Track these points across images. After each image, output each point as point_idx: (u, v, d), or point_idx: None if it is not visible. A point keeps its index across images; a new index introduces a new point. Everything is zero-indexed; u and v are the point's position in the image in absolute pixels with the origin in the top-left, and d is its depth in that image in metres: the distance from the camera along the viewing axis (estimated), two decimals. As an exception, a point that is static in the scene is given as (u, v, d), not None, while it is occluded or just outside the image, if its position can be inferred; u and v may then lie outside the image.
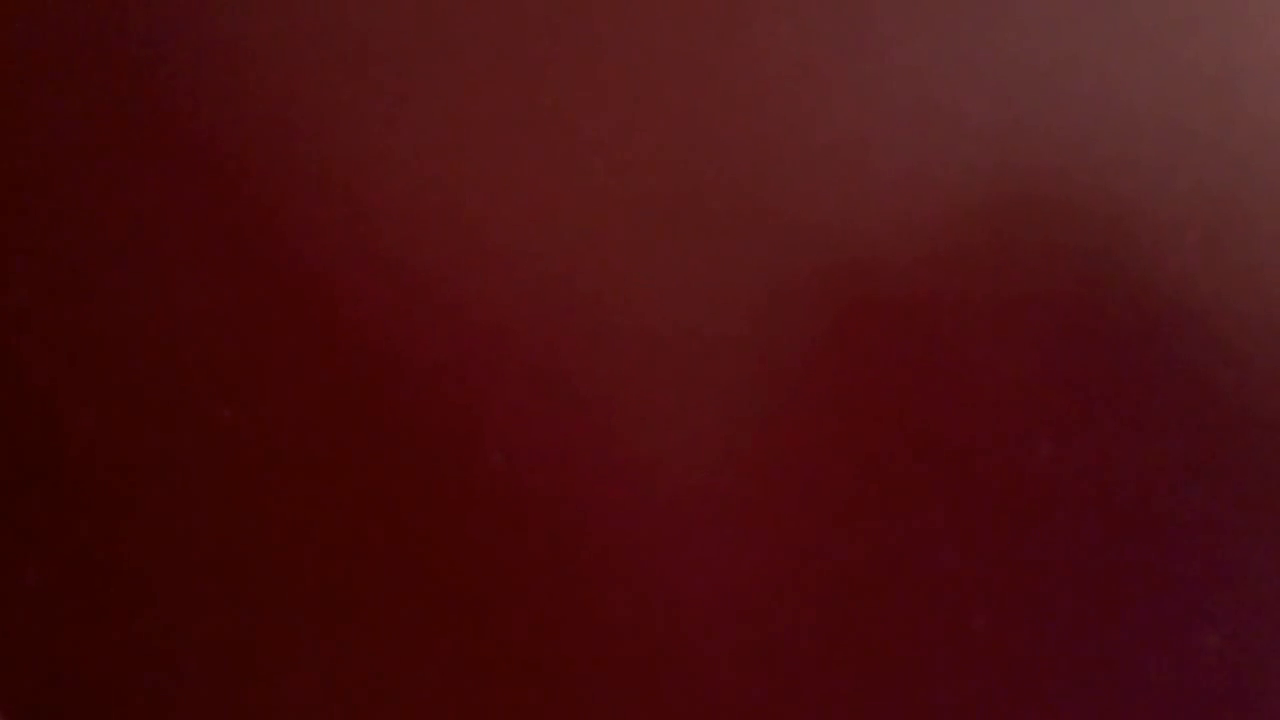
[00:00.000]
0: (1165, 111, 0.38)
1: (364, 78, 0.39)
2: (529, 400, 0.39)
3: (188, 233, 0.40)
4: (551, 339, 0.39)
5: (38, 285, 0.40)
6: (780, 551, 0.38)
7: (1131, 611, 0.38)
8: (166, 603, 0.40)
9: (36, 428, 0.40)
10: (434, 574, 0.39)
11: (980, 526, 0.38)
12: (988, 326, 0.38)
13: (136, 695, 0.40)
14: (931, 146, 0.38)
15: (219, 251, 0.40)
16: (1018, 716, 0.38)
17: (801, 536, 0.38)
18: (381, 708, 0.39)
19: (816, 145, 0.39)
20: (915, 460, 0.38)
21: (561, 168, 0.39)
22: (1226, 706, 0.38)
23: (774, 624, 0.39)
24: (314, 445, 0.39)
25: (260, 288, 0.39)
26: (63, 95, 0.40)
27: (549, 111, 0.39)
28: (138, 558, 0.40)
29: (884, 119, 0.38)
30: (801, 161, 0.39)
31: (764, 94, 0.39)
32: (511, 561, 0.39)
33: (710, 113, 0.39)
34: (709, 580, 0.39)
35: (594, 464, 0.39)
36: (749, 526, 0.38)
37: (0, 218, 0.40)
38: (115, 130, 0.40)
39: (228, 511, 0.39)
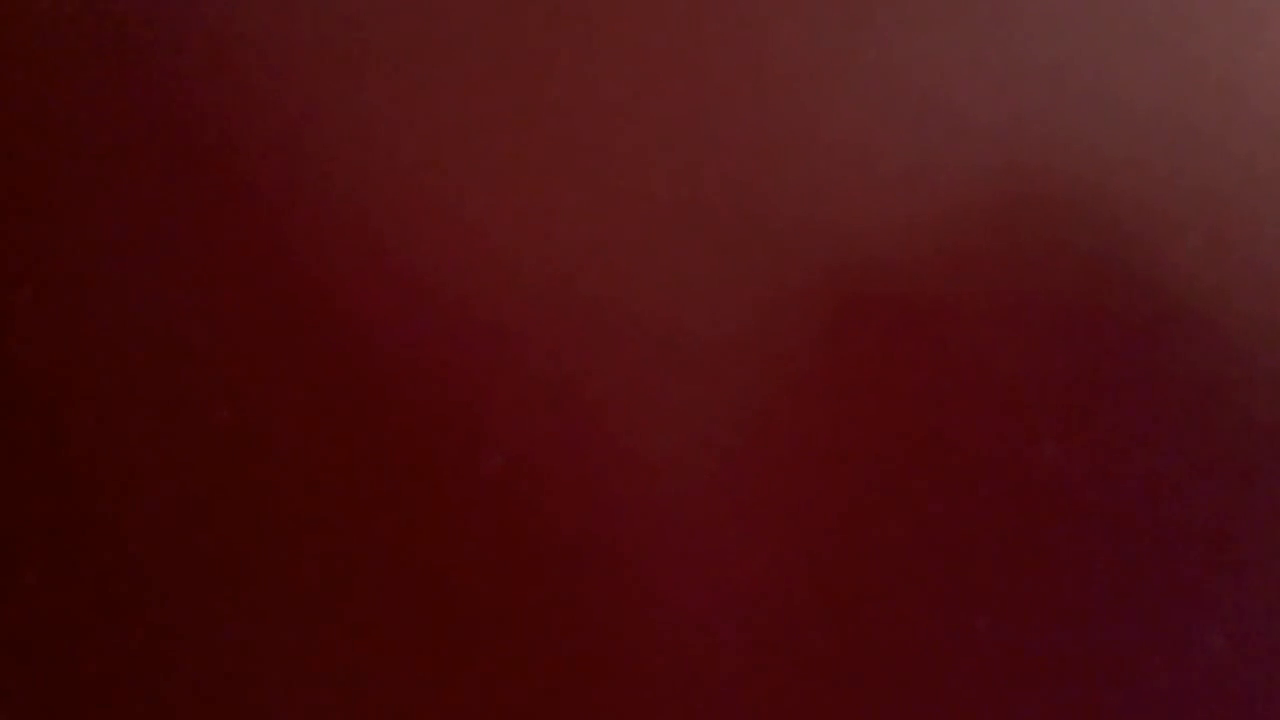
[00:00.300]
0: (1170, 112, 0.38)
1: (365, 78, 0.39)
2: (529, 402, 0.39)
3: (188, 233, 0.40)
4: (552, 340, 0.39)
5: (39, 286, 0.40)
6: (783, 552, 0.38)
7: (1136, 612, 0.37)
8: (166, 603, 0.39)
9: (38, 428, 0.40)
10: (433, 575, 0.39)
11: (984, 527, 0.38)
12: (992, 326, 0.38)
13: (137, 695, 0.40)
14: (936, 146, 0.38)
15: (219, 252, 0.39)
16: (1022, 717, 0.38)
17: (805, 538, 0.38)
18: (382, 708, 0.39)
19: (821, 145, 0.38)
20: (919, 460, 0.38)
21: (563, 168, 0.39)
22: (1231, 707, 0.37)
23: (776, 625, 0.38)
24: (313, 446, 0.39)
25: (260, 288, 0.39)
26: (64, 97, 0.40)
27: (550, 112, 0.39)
28: (138, 558, 0.39)
29: (888, 118, 0.38)
30: (806, 161, 0.38)
31: (768, 94, 0.39)
32: (510, 563, 0.39)
33: (715, 113, 0.39)
34: (710, 582, 0.38)
35: (594, 466, 0.39)
36: (751, 527, 0.38)
37: (0, 218, 0.40)
38: (116, 130, 0.40)
39: (227, 512, 0.39)
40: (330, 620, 0.39)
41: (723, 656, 0.38)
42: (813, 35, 0.39)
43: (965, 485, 0.38)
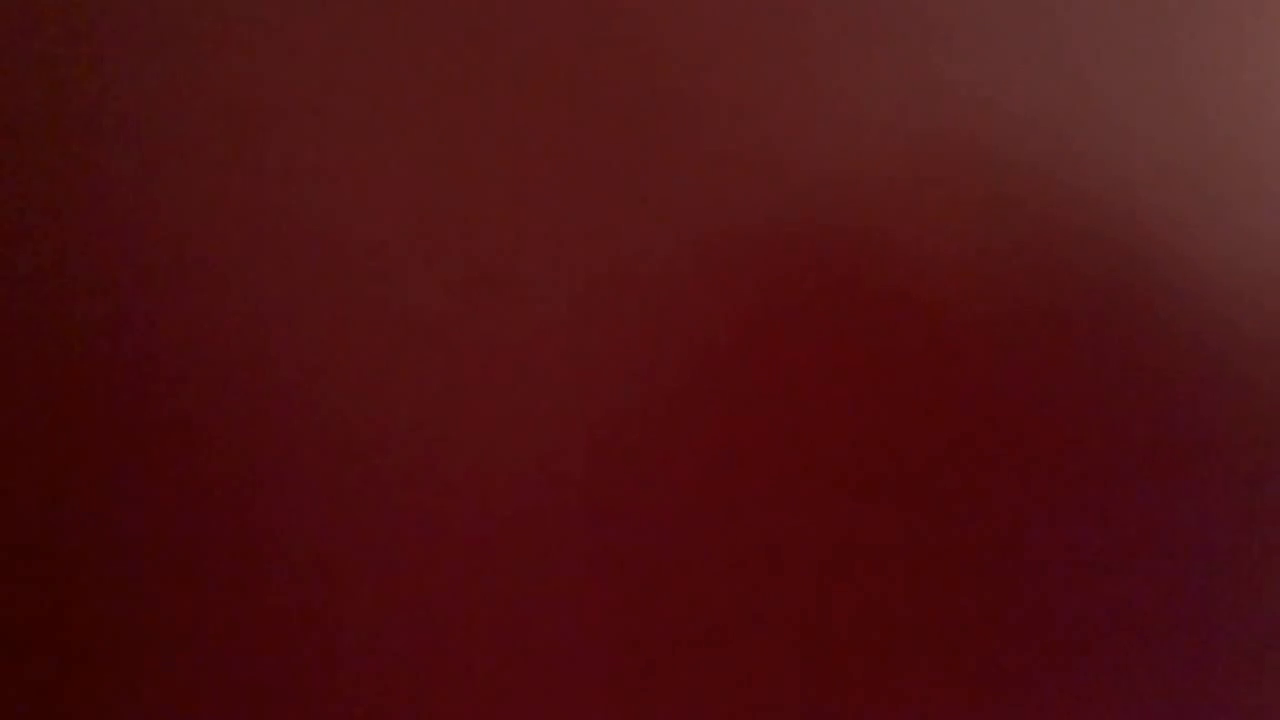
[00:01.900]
0: (1198, 107, 0.38)
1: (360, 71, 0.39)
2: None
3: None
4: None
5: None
6: (798, 555, 0.38)
7: (1153, 618, 0.37)
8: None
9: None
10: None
11: (1000, 534, 0.38)
12: (1014, 324, 0.38)
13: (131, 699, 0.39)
14: (958, 143, 0.38)
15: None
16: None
17: (821, 541, 0.38)
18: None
19: (831, 142, 0.38)
20: (938, 463, 0.38)
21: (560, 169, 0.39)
22: (1257, 713, 0.37)
23: (791, 629, 0.38)
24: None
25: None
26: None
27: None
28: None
29: (908, 116, 0.38)
30: (817, 161, 0.38)
31: (775, 92, 0.39)
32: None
33: (720, 116, 0.39)
34: (718, 572, 0.38)
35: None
36: (762, 528, 0.38)
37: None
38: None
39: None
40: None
41: (735, 658, 0.38)
42: (824, 30, 0.39)
43: (980, 491, 0.38)
